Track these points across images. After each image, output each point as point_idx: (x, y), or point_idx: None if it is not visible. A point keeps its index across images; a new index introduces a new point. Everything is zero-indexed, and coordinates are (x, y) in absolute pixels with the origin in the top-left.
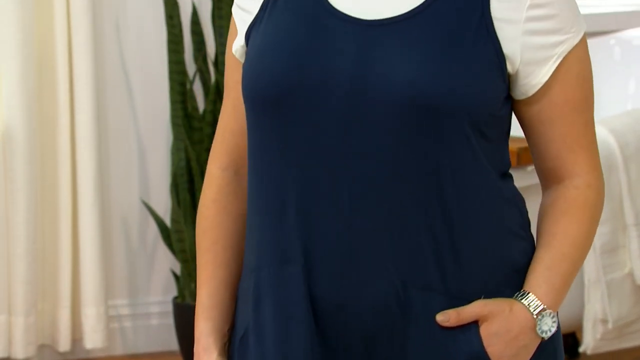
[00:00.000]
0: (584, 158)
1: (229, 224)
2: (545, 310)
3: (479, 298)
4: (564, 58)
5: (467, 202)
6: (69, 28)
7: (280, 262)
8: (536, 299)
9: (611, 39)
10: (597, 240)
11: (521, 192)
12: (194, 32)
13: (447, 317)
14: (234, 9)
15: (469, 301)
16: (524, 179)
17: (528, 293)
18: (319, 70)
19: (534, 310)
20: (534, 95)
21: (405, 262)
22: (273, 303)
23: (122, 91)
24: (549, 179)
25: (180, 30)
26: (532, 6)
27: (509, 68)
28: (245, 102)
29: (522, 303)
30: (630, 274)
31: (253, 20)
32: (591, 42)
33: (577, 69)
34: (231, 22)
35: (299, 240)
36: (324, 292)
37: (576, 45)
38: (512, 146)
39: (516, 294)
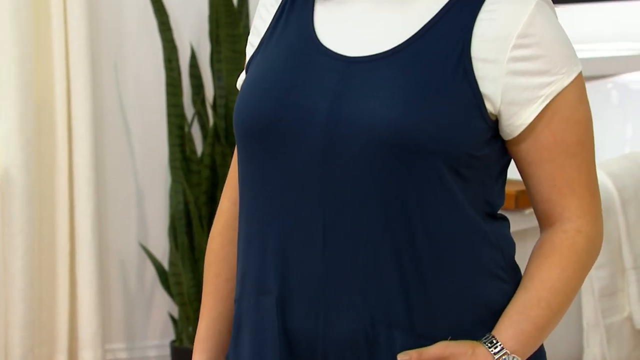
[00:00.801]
0: (576, 203)
1: (232, 256)
2: (509, 355)
3: (447, 338)
4: (552, 100)
5: (438, 241)
6: (68, 70)
7: (258, 292)
8: (500, 343)
9: (608, 83)
10: (596, 284)
11: (519, 235)
12: (193, 75)
13: (408, 357)
14: (248, 47)
15: (435, 341)
16: (522, 222)
17: (493, 336)
18: (298, 106)
19: (497, 354)
20: (519, 135)
21: (374, 299)
22: (250, 332)
23: (120, 134)
24: (543, 221)
25: (179, 74)
26: (517, 46)
27: (490, 108)
28: (235, 136)
29: (486, 346)
30: (629, 318)
31: (253, 54)
32: (588, 86)
33: (567, 111)
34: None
35: (275, 271)
36: (296, 324)
37: (567, 87)
38: (510, 189)
39: (484, 337)
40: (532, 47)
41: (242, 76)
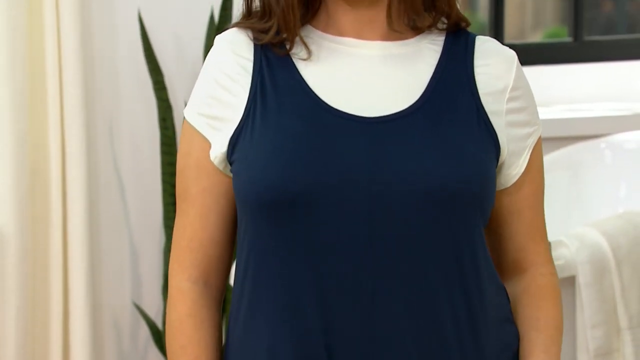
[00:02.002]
0: (544, 248)
1: (209, 340)
2: None
3: None
4: (532, 149)
5: (483, 289)
6: (62, 131)
7: None
8: None
9: (602, 143)
10: (591, 344)
11: None
12: None
13: None
14: (192, 117)
15: None
16: None
17: None
18: (337, 170)
19: None
20: (509, 186)
21: (429, 353)
22: None
23: (115, 193)
24: (510, 270)
25: (174, 132)
26: (511, 99)
27: (501, 159)
28: (250, 208)
29: None
30: None
31: (238, 127)
32: (582, 146)
33: (539, 160)
34: (186, 131)
35: (321, 338)
36: None
37: (539, 137)
38: None
39: None
40: (520, 100)
41: (218, 149)
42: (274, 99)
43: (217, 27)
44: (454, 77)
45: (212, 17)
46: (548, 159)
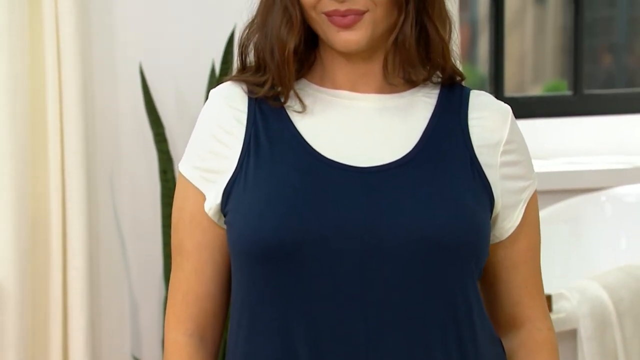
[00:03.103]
0: (541, 303)
1: None
2: None
3: None
4: (527, 203)
5: (477, 339)
6: (63, 182)
7: None
8: None
9: (602, 196)
10: None
11: None
12: None
13: None
14: (187, 171)
15: None
16: None
17: None
18: (332, 219)
19: None
20: (504, 239)
21: None
22: None
23: (115, 245)
24: (507, 325)
25: (174, 185)
26: (505, 152)
27: (494, 211)
28: (244, 257)
29: None
30: None
31: (232, 178)
32: (583, 199)
33: (535, 215)
34: (180, 185)
35: None
36: None
37: (534, 192)
38: None
39: None
40: (514, 153)
41: (212, 202)
42: (268, 150)
43: (217, 79)
44: (448, 129)
45: (213, 70)
46: (548, 211)
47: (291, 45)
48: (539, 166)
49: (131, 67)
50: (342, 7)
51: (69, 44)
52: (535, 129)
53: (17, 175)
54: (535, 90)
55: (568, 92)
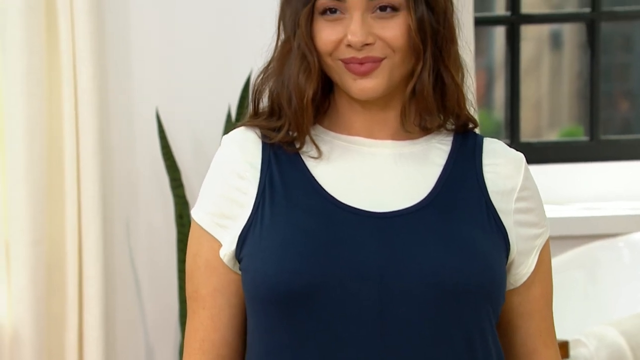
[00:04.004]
0: (554, 351)
1: None
2: None
3: None
4: (541, 251)
5: None
6: (80, 227)
7: None
8: None
9: (619, 242)
10: None
11: None
12: None
13: None
14: (200, 218)
15: None
16: None
17: None
18: (348, 264)
19: None
20: (518, 286)
21: None
22: None
23: (131, 290)
24: None
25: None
26: (519, 199)
27: (510, 257)
28: (260, 302)
29: None
30: None
31: (247, 223)
32: (600, 245)
33: (548, 262)
34: (194, 231)
35: None
36: None
37: (547, 239)
38: None
39: None
40: (528, 200)
41: (227, 248)
42: (283, 195)
43: (234, 124)
44: (462, 175)
45: (229, 115)
46: (566, 257)
47: (310, 92)
48: (556, 212)
49: (148, 112)
50: (360, 55)
51: (86, 89)
52: (551, 174)
53: (33, 219)
54: (552, 136)
55: (584, 138)
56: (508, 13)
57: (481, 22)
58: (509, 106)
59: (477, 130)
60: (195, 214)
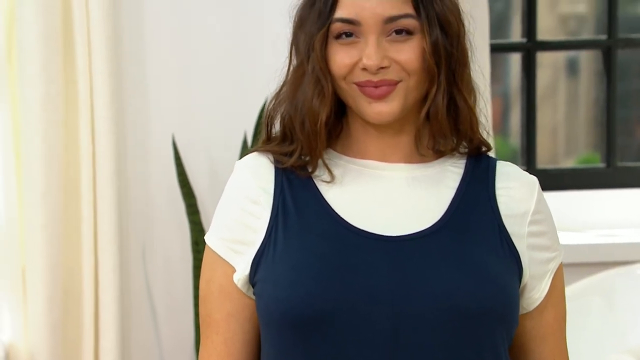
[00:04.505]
0: None
1: None
2: None
3: None
4: (554, 275)
5: None
6: (96, 254)
7: None
8: None
9: (637, 269)
10: None
11: None
12: None
13: None
14: (214, 243)
15: None
16: None
17: None
18: (361, 287)
19: None
20: (531, 310)
21: None
22: None
23: (147, 317)
24: None
25: None
26: (532, 222)
27: (523, 281)
28: (274, 326)
29: None
30: None
31: (260, 248)
32: (617, 272)
33: (561, 286)
34: (208, 257)
35: None
36: None
37: (560, 263)
38: None
39: None
40: (541, 224)
41: (240, 273)
42: (296, 220)
43: (250, 150)
44: (475, 199)
45: (245, 141)
46: (582, 284)
47: (323, 116)
48: (572, 239)
49: (164, 138)
50: (375, 78)
51: (103, 116)
52: (568, 201)
53: (49, 246)
54: (568, 163)
55: (601, 165)
56: (524, 40)
57: (497, 49)
58: (525, 133)
59: (490, 154)
60: (209, 239)
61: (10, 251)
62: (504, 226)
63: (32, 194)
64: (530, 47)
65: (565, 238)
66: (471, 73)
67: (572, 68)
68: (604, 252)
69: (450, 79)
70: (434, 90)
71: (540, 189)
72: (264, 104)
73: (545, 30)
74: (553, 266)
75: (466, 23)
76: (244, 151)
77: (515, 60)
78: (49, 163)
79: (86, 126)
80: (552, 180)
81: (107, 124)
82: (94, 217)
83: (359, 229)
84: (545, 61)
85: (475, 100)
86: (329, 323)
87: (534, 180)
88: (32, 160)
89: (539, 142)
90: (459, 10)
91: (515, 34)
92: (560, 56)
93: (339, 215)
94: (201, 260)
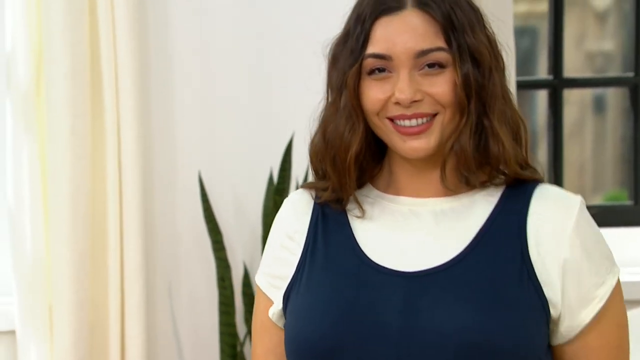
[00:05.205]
0: None
1: None
2: None
3: None
4: (605, 300)
5: None
6: (122, 290)
7: None
8: None
9: None
10: None
11: None
12: (245, 293)
13: None
14: (260, 280)
15: None
16: None
17: None
18: (368, 323)
19: None
20: (572, 337)
21: None
22: None
23: (172, 352)
24: None
25: (232, 292)
26: (570, 245)
27: (552, 312)
28: (293, 358)
29: None
30: None
31: (290, 284)
32: None
33: (613, 313)
34: (258, 294)
35: None
36: None
37: (614, 289)
38: None
39: None
40: (583, 246)
41: (275, 307)
42: (323, 255)
43: (275, 187)
44: (503, 228)
45: (271, 178)
46: None
47: (352, 152)
48: None
49: (190, 174)
50: (409, 112)
51: (130, 150)
52: None
53: (76, 282)
54: (596, 200)
55: (629, 202)
56: (551, 77)
57: (524, 86)
58: (552, 170)
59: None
60: (257, 275)
61: (37, 288)
62: (528, 256)
63: (59, 229)
64: (557, 84)
65: None
66: (513, 105)
67: (599, 105)
68: (632, 289)
69: (480, 111)
70: (462, 123)
71: (582, 209)
72: (290, 141)
73: (572, 67)
74: (603, 292)
75: (504, 54)
76: (270, 188)
77: (542, 97)
78: (75, 199)
79: (113, 162)
80: None
81: (134, 160)
82: (120, 252)
83: (378, 265)
84: (572, 98)
85: (518, 131)
86: (338, 357)
87: (575, 200)
88: (59, 196)
89: (565, 179)
90: (494, 41)
91: (542, 71)
92: (587, 93)
93: (362, 251)
94: (227, 296)
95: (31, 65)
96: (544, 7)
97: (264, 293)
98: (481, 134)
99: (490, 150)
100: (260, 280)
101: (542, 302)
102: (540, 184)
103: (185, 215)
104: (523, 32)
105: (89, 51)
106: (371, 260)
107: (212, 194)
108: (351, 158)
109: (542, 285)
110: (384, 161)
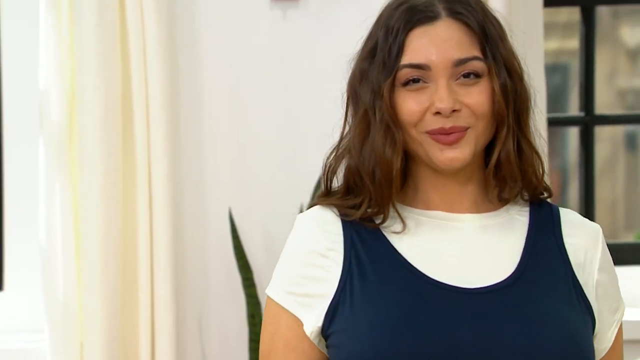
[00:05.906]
0: None
1: None
2: None
3: None
4: (619, 326)
5: None
6: (153, 327)
7: None
8: None
9: None
10: None
11: None
12: None
13: None
14: (280, 297)
15: None
16: None
17: None
18: (443, 341)
19: None
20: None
21: None
22: None
23: None
24: None
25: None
26: (600, 271)
27: (594, 331)
28: None
29: None
30: None
31: (334, 300)
32: None
33: (621, 340)
34: (270, 311)
35: None
36: None
37: (622, 314)
38: None
39: None
40: (608, 272)
41: (312, 325)
42: (372, 272)
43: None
44: (545, 248)
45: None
46: None
47: (397, 164)
48: (633, 315)
49: (221, 211)
50: (447, 124)
51: (160, 188)
52: (628, 276)
53: (107, 319)
54: (628, 237)
55: None
56: (582, 114)
57: (555, 123)
58: (584, 207)
59: (549, 200)
60: (275, 293)
61: (69, 325)
62: (575, 277)
63: (91, 267)
64: (589, 121)
65: (626, 314)
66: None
67: (630, 142)
68: None
69: (516, 122)
70: (503, 133)
71: (603, 237)
72: (320, 177)
73: (603, 104)
74: (619, 316)
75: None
76: None
77: (573, 134)
78: (107, 236)
79: (144, 200)
80: (611, 255)
81: (165, 198)
82: (150, 289)
83: (434, 280)
84: (604, 135)
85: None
86: None
87: (597, 228)
88: (90, 233)
89: (598, 216)
90: (517, 54)
91: (573, 108)
92: (619, 130)
93: (413, 267)
94: (257, 333)
95: (64, 107)
96: (575, 44)
97: (288, 311)
98: (517, 146)
99: (525, 163)
100: (284, 299)
101: (592, 321)
102: (559, 207)
103: (215, 252)
104: (554, 69)
105: (120, 92)
106: (426, 275)
107: (242, 231)
108: (397, 172)
109: (592, 306)
110: (406, 175)
